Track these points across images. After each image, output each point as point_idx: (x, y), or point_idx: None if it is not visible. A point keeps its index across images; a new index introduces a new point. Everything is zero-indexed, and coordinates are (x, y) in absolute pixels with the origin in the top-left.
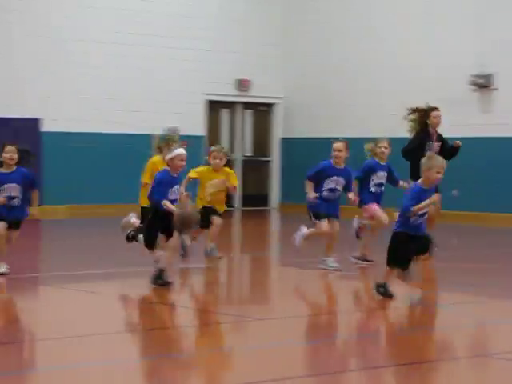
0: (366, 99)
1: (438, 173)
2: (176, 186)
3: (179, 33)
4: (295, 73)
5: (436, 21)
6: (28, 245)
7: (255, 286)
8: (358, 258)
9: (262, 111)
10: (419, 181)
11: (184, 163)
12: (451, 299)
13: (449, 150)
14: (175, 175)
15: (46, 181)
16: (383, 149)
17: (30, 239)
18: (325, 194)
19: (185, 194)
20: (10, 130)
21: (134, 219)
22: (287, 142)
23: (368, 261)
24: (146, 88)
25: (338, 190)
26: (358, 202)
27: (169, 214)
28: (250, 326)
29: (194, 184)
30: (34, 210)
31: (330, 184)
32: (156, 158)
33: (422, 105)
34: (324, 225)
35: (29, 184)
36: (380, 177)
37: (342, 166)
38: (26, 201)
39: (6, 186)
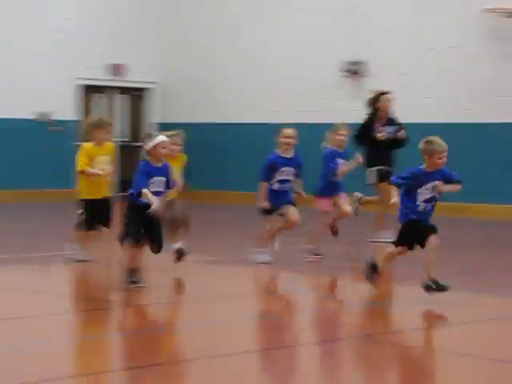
0: (238, 86)
1: (440, 159)
2: (157, 178)
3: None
4: (171, 58)
5: (308, 8)
6: None
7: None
8: (309, 251)
9: (137, 96)
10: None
11: (167, 151)
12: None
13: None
14: (158, 165)
15: None
16: (342, 136)
17: None
18: (275, 186)
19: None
20: None
21: None
22: (164, 127)
23: (317, 255)
24: (12, 72)
25: (289, 181)
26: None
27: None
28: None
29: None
30: None
31: (280, 176)
32: (88, 145)
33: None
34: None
35: None
36: (339, 165)
37: (291, 154)
38: None
39: None
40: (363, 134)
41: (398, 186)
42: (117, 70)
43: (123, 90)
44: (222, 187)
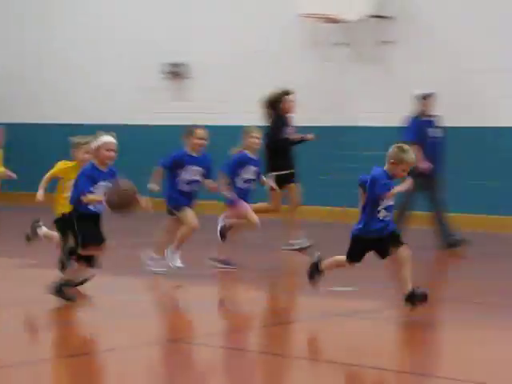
0: (56, 87)
1: (404, 171)
2: (101, 183)
3: None
4: None
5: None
6: None
7: None
8: (220, 261)
9: None
10: (384, 167)
11: (113, 154)
12: None
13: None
14: (102, 169)
15: None
16: (256, 139)
17: None
18: (183, 187)
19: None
20: None
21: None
22: None
23: (230, 265)
24: None
25: (197, 181)
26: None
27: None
28: None
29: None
30: None
31: (188, 176)
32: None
33: (276, 90)
34: (189, 215)
35: None
36: (250, 172)
37: (200, 154)
38: None
39: None
40: (276, 136)
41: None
42: None
43: None
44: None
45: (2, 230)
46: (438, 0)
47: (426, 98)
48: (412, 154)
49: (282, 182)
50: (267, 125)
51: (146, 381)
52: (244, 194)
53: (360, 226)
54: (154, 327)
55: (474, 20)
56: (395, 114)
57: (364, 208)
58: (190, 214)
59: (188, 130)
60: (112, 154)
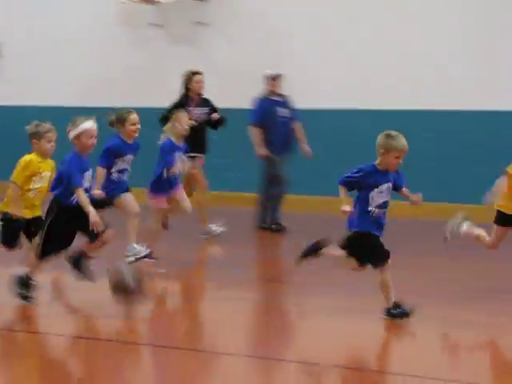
0: None
1: (397, 158)
2: (87, 173)
3: None
4: None
5: None
6: None
7: None
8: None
9: None
10: (376, 161)
11: (94, 141)
12: None
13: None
14: (84, 158)
15: None
16: (184, 126)
17: None
18: (115, 175)
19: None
20: None
21: None
22: None
23: (152, 258)
24: None
25: (127, 170)
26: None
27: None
28: None
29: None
30: None
31: (121, 165)
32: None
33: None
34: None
35: None
36: (178, 159)
37: (134, 140)
38: None
39: None
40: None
41: (346, 185)
42: None
43: None
44: None
45: None
46: None
47: (274, 78)
48: (402, 139)
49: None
50: (173, 103)
51: None
52: (170, 182)
53: None
54: None
55: (293, 4)
56: (207, 96)
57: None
58: (128, 201)
59: (120, 117)
60: (93, 141)
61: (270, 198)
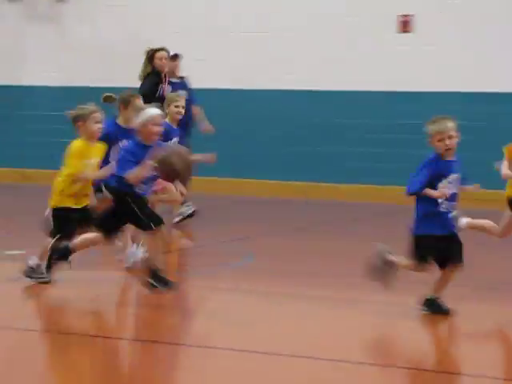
0: None
1: (440, 141)
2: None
3: None
4: None
5: None
6: None
7: None
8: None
9: None
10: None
11: (161, 128)
12: None
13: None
14: (149, 145)
15: None
16: (181, 108)
17: None
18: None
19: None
20: None
21: None
22: None
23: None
24: None
25: None
26: None
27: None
28: None
29: None
30: None
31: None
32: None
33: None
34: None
35: None
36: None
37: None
38: None
39: None
40: (145, 95)
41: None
42: None
43: None
44: None
45: None
46: None
47: (173, 58)
48: (445, 122)
49: None
50: (146, 81)
51: None
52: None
53: None
54: None
55: None
56: (67, 73)
57: None
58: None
59: (123, 99)
60: (159, 128)
61: None
